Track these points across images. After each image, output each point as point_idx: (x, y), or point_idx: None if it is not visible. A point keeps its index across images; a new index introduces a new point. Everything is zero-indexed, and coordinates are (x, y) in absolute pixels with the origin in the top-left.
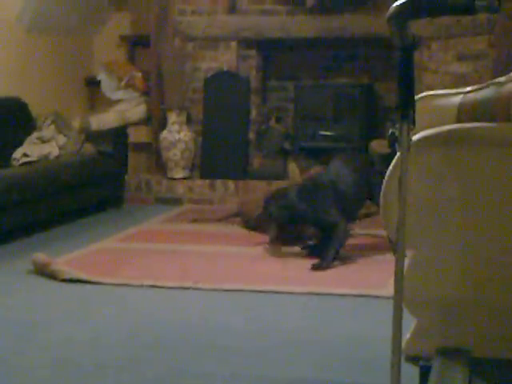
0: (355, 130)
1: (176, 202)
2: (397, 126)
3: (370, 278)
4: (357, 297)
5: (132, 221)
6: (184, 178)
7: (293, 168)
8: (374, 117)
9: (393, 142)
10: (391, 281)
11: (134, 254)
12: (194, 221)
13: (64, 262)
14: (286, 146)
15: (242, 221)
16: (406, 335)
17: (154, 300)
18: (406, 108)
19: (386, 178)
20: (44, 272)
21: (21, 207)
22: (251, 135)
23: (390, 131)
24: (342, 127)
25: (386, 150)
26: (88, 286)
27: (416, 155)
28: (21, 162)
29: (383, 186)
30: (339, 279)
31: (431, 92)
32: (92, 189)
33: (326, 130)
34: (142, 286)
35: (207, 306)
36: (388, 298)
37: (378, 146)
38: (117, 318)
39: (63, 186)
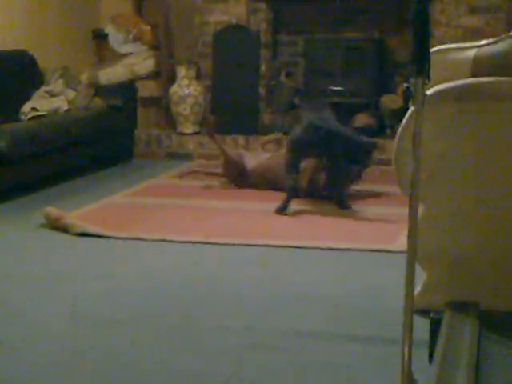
0: (366, 85)
1: (186, 156)
2: (411, 80)
3: (381, 232)
4: (368, 251)
5: (142, 175)
6: (194, 133)
7: None
8: (385, 72)
9: (407, 97)
10: (402, 235)
11: (146, 209)
12: (182, 176)
13: (76, 216)
14: (296, 101)
15: (228, 176)
16: (417, 288)
17: (166, 254)
18: (421, 62)
19: (398, 133)
20: (57, 226)
21: (30, 161)
22: (261, 90)
23: (405, 86)
24: (352, 82)
25: (397, 105)
26: (101, 240)
27: (430, 110)
28: (30, 115)
29: (396, 142)
30: (350, 234)
31: (444, 46)
32: (102, 143)
33: (335, 85)
34: (154, 240)
35: (219, 260)
36: (399, 252)
37: (389, 101)
38: (130, 272)
39: (73, 141)
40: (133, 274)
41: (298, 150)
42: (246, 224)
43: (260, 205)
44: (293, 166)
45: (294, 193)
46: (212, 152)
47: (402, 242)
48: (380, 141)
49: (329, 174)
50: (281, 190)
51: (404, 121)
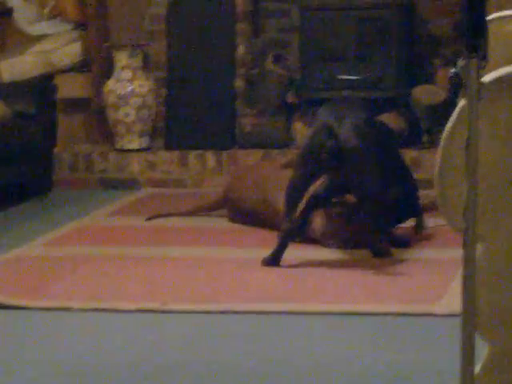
0: (390, 72)
1: (130, 184)
2: (460, 63)
3: (417, 286)
4: (399, 316)
5: (66, 214)
6: (141, 150)
7: (300, 129)
8: (418, 51)
9: (455, 86)
10: (450, 290)
11: (72, 264)
12: (152, 218)
13: None
14: (290, 97)
15: (230, 212)
16: (476, 368)
17: (104, 331)
18: (475, 37)
19: (442, 141)
20: None
21: None
22: (238, 83)
23: (452, 72)
24: (370, 68)
25: (437, 100)
26: (8, 312)
27: (489, 105)
28: None
29: (438, 154)
30: (372, 290)
31: (505, 12)
32: (6, 168)
33: (347, 74)
34: (85, 309)
35: (185, 337)
36: (446, 315)
37: (424, 93)
38: (45, 363)
39: None
40: (49, 368)
41: (305, 166)
42: (221, 281)
43: (243, 251)
44: (296, 192)
45: (290, 236)
46: (167, 177)
47: (449, 301)
48: (413, 152)
49: (358, 210)
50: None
51: (450, 122)
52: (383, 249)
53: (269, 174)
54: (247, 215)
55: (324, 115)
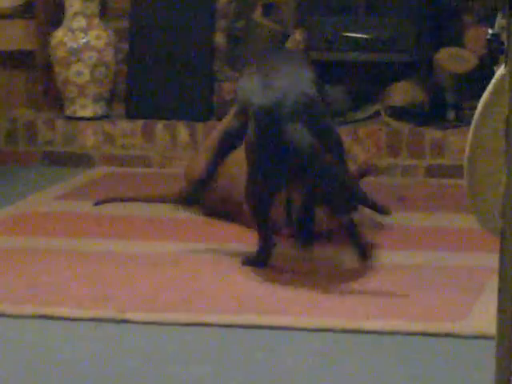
0: (408, 30)
1: (82, 160)
2: (500, 21)
3: (436, 301)
4: (416, 335)
5: (1, 196)
6: (96, 118)
7: None
8: (442, 5)
9: (493, 50)
10: (479, 304)
11: (7, 258)
12: (100, 203)
13: None
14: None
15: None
16: None
17: (46, 342)
18: None
19: (474, 119)
20: None
21: None
22: (219, 38)
23: (490, 32)
24: (384, 25)
25: (467, 67)
26: None
27: None
28: None
29: (470, 135)
30: (382, 303)
31: None
32: None
33: (355, 31)
34: (23, 316)
35: (145, 354)
36: (474, 336)
37: (451, 58)
38: None
39: None
40: None
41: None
42: (192, 285)
43: (218, 248)
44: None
45: (271, 232)
46: (129, 153)
47: (478, 317)
48: (436, 132)
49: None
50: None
51: (485, 96)
52: (365, 246)
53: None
54: (213, 205)
55: (255, 86)
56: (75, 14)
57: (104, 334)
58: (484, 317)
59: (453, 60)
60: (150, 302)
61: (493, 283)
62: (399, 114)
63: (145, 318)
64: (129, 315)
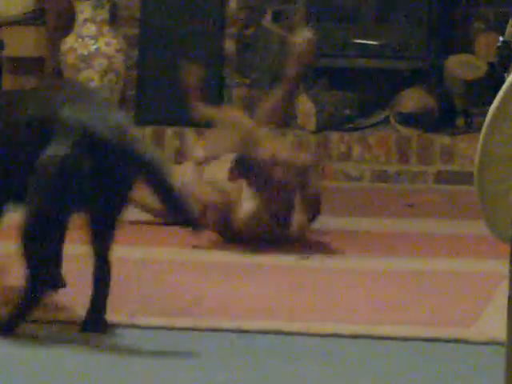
0: (418, 37)
1: None
2: (510, 27)
3: (446, 306)
4: (425, 341)
5: None
6: None
7: (304, 105)
8: (453, 12)
9: (503, 57)
10: (488, 310)
11: None
12: None
13: None
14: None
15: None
16: None
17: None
18: None
19: (485, 126)
20: None
21: None
22: (228, 45)
23: (501, 39)
24: (394, 31)
25: (477, 74)
26: None
27: None
28: None
29: (480, 142)
30: (389, 307)
31: None
32: None
33: (365, 38)
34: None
35: (158, 356)
36: (483, 342)
37: (461, 65)
38: None
39: None
40: None
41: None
42: (193, 289)
43: (214, 253)
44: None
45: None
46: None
47: (488, 323)
48: (445, 139)
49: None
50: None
51: (496, 102)
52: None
53: None
54: None
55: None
56: (85, 20)
57: (119, 340)
58: (494, 323)
59: (463, 67)
60: (160, 303)
61: (503, 289)
62: (409, 120)
63: (158, 322)
64: (140, 320)
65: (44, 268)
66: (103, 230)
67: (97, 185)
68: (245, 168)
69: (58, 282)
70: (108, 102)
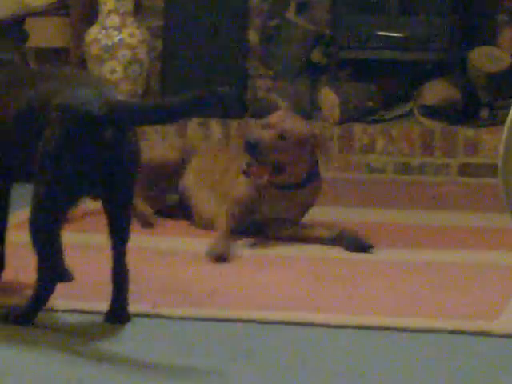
0: (441, 29)
1: None
2: None
3: (470, 300)
4: (448, 333)
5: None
6: None
7: (328, 97)
8: (476, 4)
9: None
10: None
11: None
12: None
13: None
14: (316, 56)
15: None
16: None
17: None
18: None
19: (509, 118)
20: None
21: None
22: (252, 37)
23: None
24: (417, 24)
25: (501, 67)
26: None
27: None
28: None
29: (504, 135)
30: (408, 300)
31: None
32: None
33: (388, 30)
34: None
35: (184, 349)
36: (508, 335)
37: (485, 57)
38: None
39: None
40: None
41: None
42: (214, 279)
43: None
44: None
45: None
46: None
47: (511, 316)
48: (469, 131)
49: None
50: None
51: None
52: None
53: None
54: None
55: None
56: (109, 11)
57: (144, 330)
58: None
59: (487, 59)
60: (185, 294)
61: None
62: (432, 112)
63: (181, 312)
64: (164, 310)
65: (52, 256)
66: (118, 215)
67: (100, 163)
68: (254, 149)
69: (65, 275)
70: (97, 79)
